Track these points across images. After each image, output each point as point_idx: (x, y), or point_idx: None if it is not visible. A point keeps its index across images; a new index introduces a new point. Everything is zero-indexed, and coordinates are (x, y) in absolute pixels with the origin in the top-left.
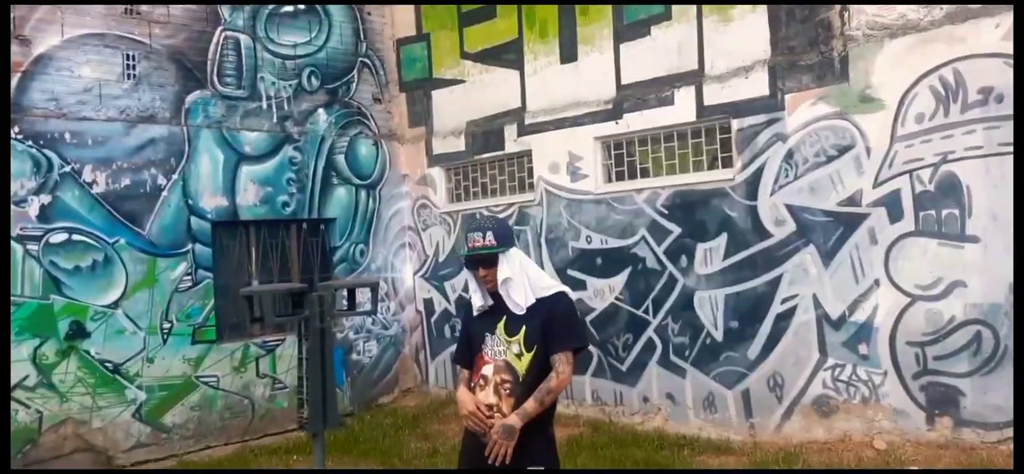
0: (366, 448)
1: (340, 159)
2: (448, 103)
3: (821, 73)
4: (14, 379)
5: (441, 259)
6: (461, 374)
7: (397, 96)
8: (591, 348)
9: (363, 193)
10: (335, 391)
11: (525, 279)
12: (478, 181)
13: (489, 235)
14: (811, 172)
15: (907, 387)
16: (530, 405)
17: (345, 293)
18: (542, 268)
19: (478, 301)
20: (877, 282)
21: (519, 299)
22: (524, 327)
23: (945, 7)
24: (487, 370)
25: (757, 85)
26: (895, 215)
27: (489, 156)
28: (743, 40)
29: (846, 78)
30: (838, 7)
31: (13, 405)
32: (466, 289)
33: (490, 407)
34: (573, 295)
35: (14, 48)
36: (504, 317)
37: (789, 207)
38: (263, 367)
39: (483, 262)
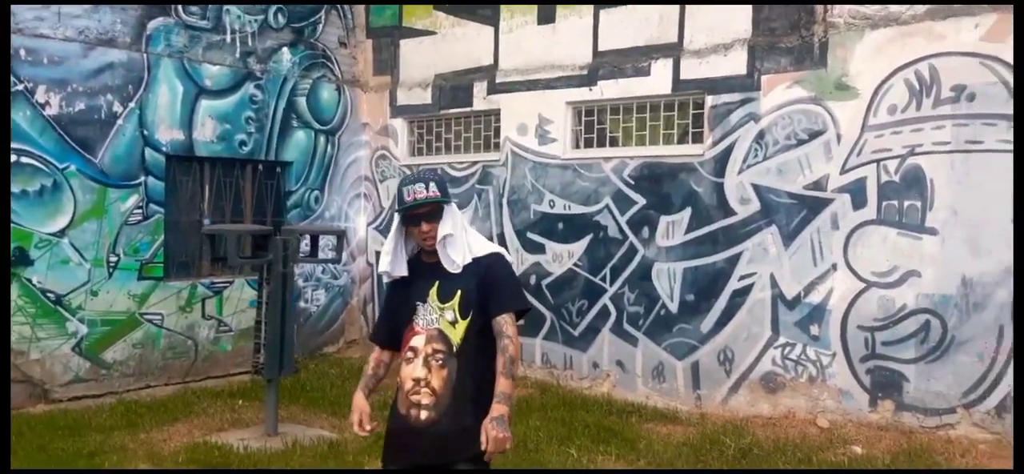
0: (314, 397)
1: (301, 101)
2: (416, 54)
3: (800, 57)
4: None
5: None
6: (371, 359)
7: (363, 42)
8: (545, 311)
9: (322, 138)
10: (293, 338)
11: (464, 236)
12: (442, 136)
13: (432, 186)
14: (780, 154)
15: (854, 369)
16: (504, 386)
17: (308, 238)
18: (502, 230)
19: (396, 268)
20: (834, 266)
21: (456, 256)
22: (459, 291)
23: (927, 3)
24: (417, 342)
25: (735, 63)
26: (859, 202)
27: (455, 112)
28: (725, 17)
29: (824, 64)
30: None
31: None
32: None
33: (417, 382)
34: (530, 259)
35: None
36: (437, 282)
37: (756, 187)
38: (209, 308)
39: (427, 215)
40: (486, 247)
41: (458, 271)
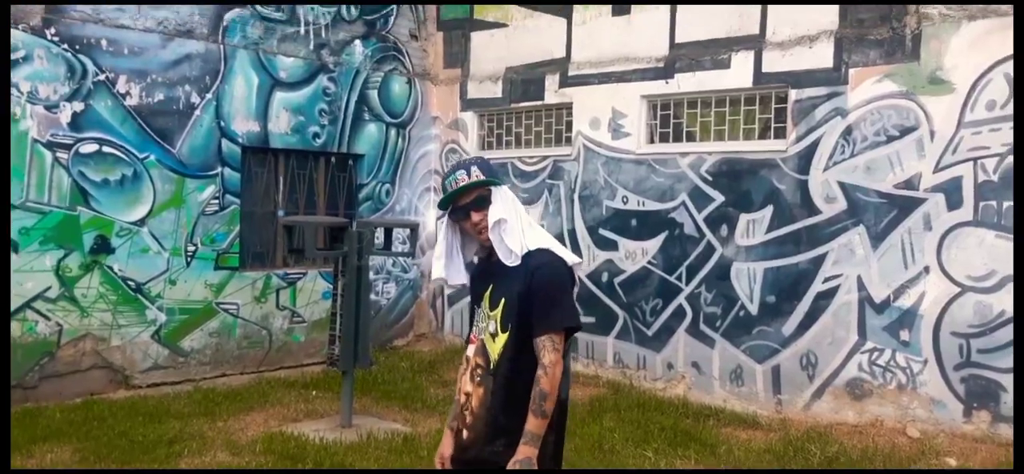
0: (386, 390)
1: (373, 94)
2: (487, 47)
3: (890, 50)
4: (36, 291)
5: None
6: (459, 375)
7: (434, 35)
8: (617, 310)
9: (393, 132)
10: (369, 330)
11: (519, 222)
12: (512, 130)
13: (474, 169)
14: (869, 151)
15: (947, 377)
16: (532, 424)
17: (382, 232)
18: (573, 226)
19: (452, 275)
20: (927, 269)
21: (513, 244)
22: (504, 299)
23: None
24: (470, 351)
25: (821, 56)
26: (954, 202)
27: (527, 105)
28: (810, 8)
29: (916, 57)
30: None
31: (33, 316)
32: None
33: (466, 396)
34: (602, 256)
35: None
36: (491, 285)
37: (842, 185)
38: (283, 299)
39: (475, 203)
40: (540, 240)
41: (517, 263)
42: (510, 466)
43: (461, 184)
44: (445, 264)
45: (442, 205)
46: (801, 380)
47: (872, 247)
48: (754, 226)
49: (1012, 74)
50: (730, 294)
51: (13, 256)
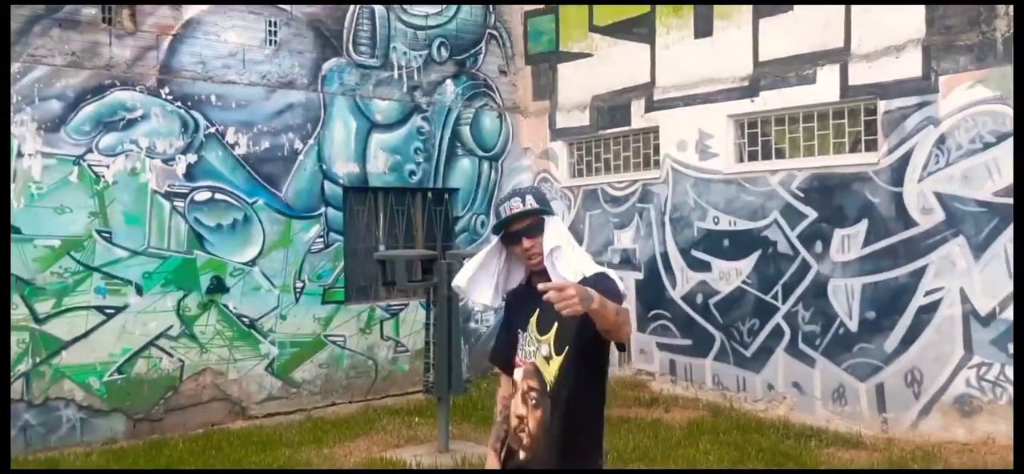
0: (485, 415)
1: (465, 130)
2: (574, 77)
3: (981, 55)
4: (159, 329)
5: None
6: (499, 398)
7: (523, 69)
8: (713, 331)
9: (486, 165)
10: (461, 357)
11: (573, 251)
12: (601, 156)
13: (529, 198)
14: (965, 159)
15: None
16: (611, 307)
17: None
18: (665, 248)
19: (474, 292)
20: None
21: (566, 272)
22: (556, 323)
23: None
24: (518, 374)
25: (909, 65)
26: None
27: (614, 131)
28: (895, 17)
29: (1009, 60)
30: None
31: (157, 353)
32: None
33: (520, 419)
34: (696, 277)
35: (165, 11)
36: (537, 309)
37: (938, 195)
38: (387, 330)
39: (529, 230)
40: (593, 267)
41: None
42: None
43: (515, 211)
44: (470, 279)
45: (495, 229)
46: (907, 398)
47: (974, 258)
48: (849, 241)
49: None
50: (828, 311)
51: (137, 298)
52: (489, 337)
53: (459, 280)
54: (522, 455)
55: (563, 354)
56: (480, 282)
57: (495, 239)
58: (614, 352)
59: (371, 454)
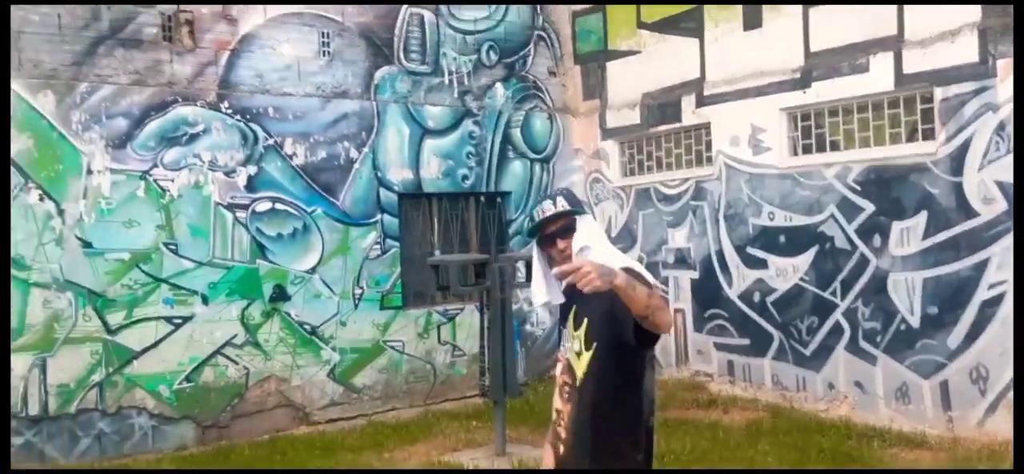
0: (542, 418)
1: (516, 133)
2: (623, 75)
3: None
4: (225, 338)
5: (614, 234)
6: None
7: (571, 69)
8: (772, 330)
9: (537, 167)
10: (515, 360)
11: (603, 249)
12: (652, 154)
13: (560, 200)
14: None
15: None
16: (641, 291)
17: (523, 265)
18: (720, 246)
19: (553, 295)
20: None
21: None
22: (587, 319)
23: None
24: (557, 369)
25: (965, 50)
26: None
27: (665, 129)
28: (949, 2)
29: None
30: None
31: (223, 361)
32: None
33: (558, 413)
34: (752, 275)
35: (223, 27)
36: (574, 306)
37: (1000, 184)
38: (444, 334)
39: (561, 231)
40: (624, 260)
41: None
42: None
43: (546, 214)
44: (546, 288)
45: (530, 234)
46: (972, 395)
47: None
48: (908, 234)
49: None
50: (889, 307)
51: (202, 308)
52: (545, 340)
53: (538, 299)
54: (561, 450)
55: (592, 350)
56: (544, 285)
57: (535, 247)
58: (671, 353)
59: (430, 458)
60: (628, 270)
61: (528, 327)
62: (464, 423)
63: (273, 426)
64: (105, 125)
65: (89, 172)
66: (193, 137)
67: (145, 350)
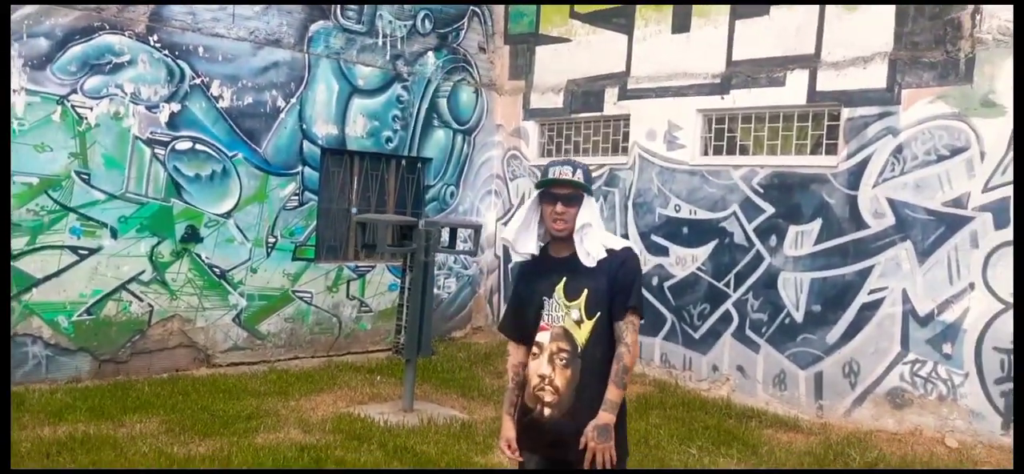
0: (445, 378)
1: (442, 103)
2: (551, 60)
3: (944, 72)
4: (131, 274)
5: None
6: (509, 367)
7: (501, 48)
8: (666, 312)
9: (459, 138)
10: (431, 322)
11: (600, 230)
12: (571, 139)
13: (578, 172)
14: (919, 169)
15: (987, 391)
16: (614, 395)
17: (447, 231)
18: (627, 231)
19: (521, 243)
20: (972, 286)
21: (592, 249)
22: (586, 290)
23: None
24: (543, 338)
25: (874, 76)
26: (1001, 222)
27: (586, 116)
28: (865, 30)
29: (969, 80)
30: (971, 8)
31: (127, 296)
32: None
33: (542, 378)
34: (653, 260)
35: None
36: (564, 278)
37: (891, 201)
38: (353, 290)
39: (566, 197)
40: (619, 242)
41: (592, 265)
42: (590, 428)
43: (564, 177)
44: (518, 232)
45: (540, 185)
46: (843, 387)
47: (918, 262)
48: (803, 237)
49: None
50: (777, 302)
51: (111, 241)
52: (449, 304)
53: (508, 235)
54: (547, 412)
55: (595, 318)
56: (523, 236)
57: (535, 195)
58: None
59: (337, 408)
60: (627, 254)
61: (435, 290)
62: (367, 377)
63: (173, 365)
64: (25, 43)
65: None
66: (117, 67)
67: (46, 278)
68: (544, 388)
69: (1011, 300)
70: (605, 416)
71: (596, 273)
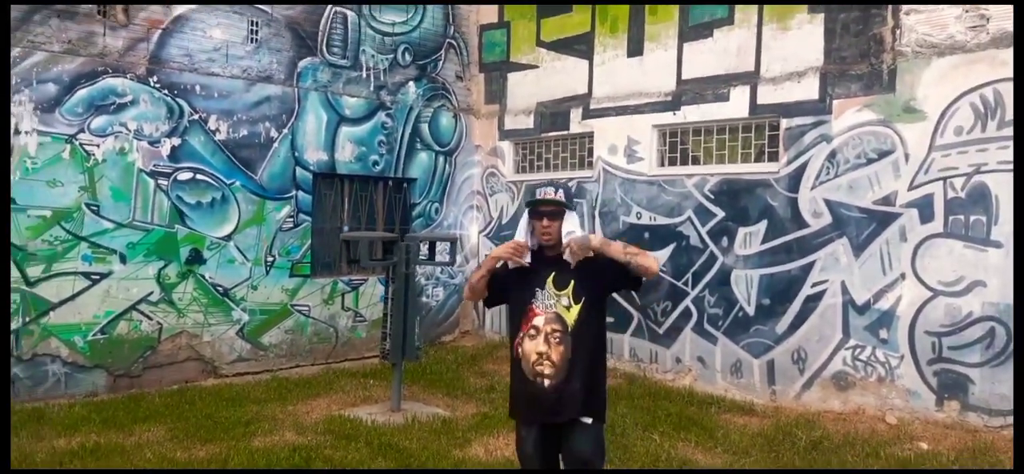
0: (432, 379)
1: (424, 127)
2: (521, 85)
3: (869, 83)
4: (140, 295)
5: (504, 222)
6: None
7: (477, 76)
8: (632, 311)
9: (441, 158)
10: (416, 328)
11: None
12: (543, 156)
13: (560, 192)
14: (851, 172)
15: (921, 371)
16: (616, 246)
17: (426, 245)
18: None
19: (524, 239)
20: (903, 275)
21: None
22: (572, 281)
23: (991, 32)
24: (538, 321)
25: (808, 89)
26: (926, 217)
27: (555, 135)
28: (798, 48)
29: (892, 89)
30: (891, 24)
31: (138, 316)
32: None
33: (540, 355)
34: None
35: (156, 6)
36: (553, 273)
37: (827, 201)
38: (347, 302)
39: (550, 214)
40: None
41: (573, 265)
42: (572, 239)
43: (548, 197)
44: (530, 241)
45: (528, 204)
46: (792, 373)
47: (854, 256)
48: (751, 238)
49: (977, 103)
50: (730, 297)
51: (121, 266)
52: (438, 311)
53: (520, 236)
54: (546, 383)
55: (581, 303)
56: (529, 240)
57: (526, 212)
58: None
59: (330, 411)
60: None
61: (423, 299)
62: (362, 381)
63: (183, 377)
64: (35, 89)
65: (16, 132)
66: (121, 107)
67: (62, 302)
68: (543, 363)
69: (938, 287)
70: (594, 238)
71: (577, 270)
